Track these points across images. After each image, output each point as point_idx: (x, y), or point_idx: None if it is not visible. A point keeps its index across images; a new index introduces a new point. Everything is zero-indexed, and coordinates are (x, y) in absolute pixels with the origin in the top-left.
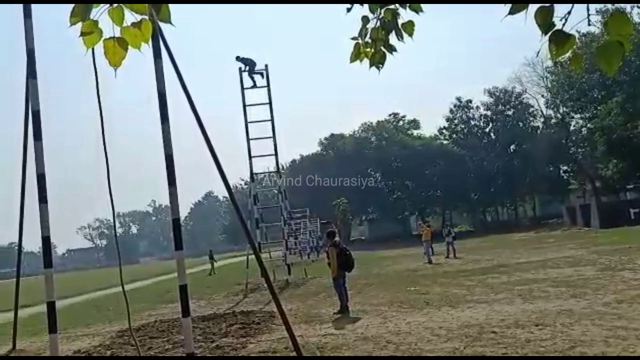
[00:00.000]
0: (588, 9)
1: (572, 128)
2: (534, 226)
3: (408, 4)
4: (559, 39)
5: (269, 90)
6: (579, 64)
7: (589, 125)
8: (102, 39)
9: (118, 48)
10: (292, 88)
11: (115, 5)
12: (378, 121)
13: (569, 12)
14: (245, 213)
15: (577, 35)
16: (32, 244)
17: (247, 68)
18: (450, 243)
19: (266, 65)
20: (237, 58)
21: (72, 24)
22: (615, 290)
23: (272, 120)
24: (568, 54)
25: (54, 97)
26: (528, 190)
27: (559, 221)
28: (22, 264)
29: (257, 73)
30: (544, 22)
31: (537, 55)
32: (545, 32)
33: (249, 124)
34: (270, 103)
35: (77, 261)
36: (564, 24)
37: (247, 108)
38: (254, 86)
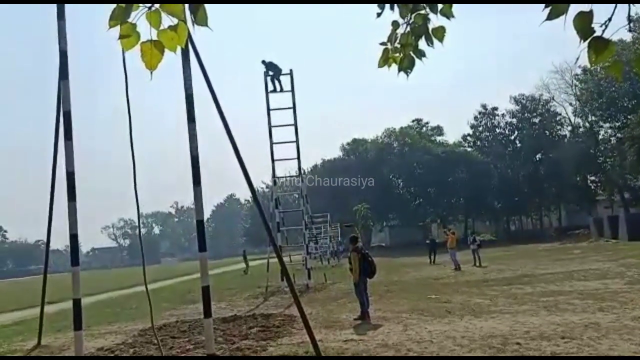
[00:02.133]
0: (629, 16)
1: (600, 137)
2: (559, 237)
3: (439, 10)
4: (599, 45)
5: (293, 95)
6: (618, 70)
7: (618, 134)
8: (140, 42)
9: (155, 51)
10: (315, 92)
11: (154, 8)
12: (401, 127)
13: (610, 19)
14: (266, 216)
15: None
16: (58, 242)
17: (272, 73)
18: (475, 251)
19: (291, 70)
20: (263, 62)
21: (111, 26)
22: None
23: (295, 124)
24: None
25: (85, 98)
26: (554, 200)
27: (586, 232)
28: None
29: (278, 79)
30: (584, 27)
31: (576, 62)
32: (584, 38)
33: (272, 128)
34: (294, 107)
35: (101, 260)
36: (604, 30)
37: (271, 112)
38: (274, 90)
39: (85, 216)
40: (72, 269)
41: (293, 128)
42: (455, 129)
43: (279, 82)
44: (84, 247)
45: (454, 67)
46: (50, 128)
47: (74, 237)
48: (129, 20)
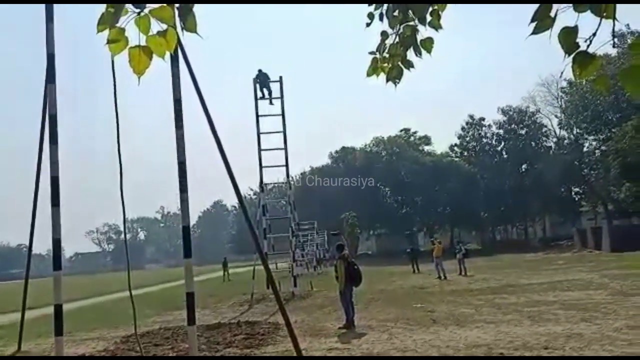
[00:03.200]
0: (613, 31)
1: (585, 149)
2: (543, 247)
3: (428, 22)
4: (583, 60)
5: (282, 102)
6: (604, 85)
7: (602, 147)
8: (128, 47)
9: (143, 56)
10: (304, 100)
11: (143, 14)
12: (389, 136)
13: (594, 34)
14: (253, 223)
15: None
16: (41, 246)
17: (259, 80)
18: (461, 260)
19: (280, 77)
20: (259, 71)
21: (99, 31)
22: (626, 315)
23: (284, 131)
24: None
25: (70, 102)
26: (539, 210)
27: (569, 243)
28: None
29: (268, 87)
30: (568, 42)
31: (561, 76)
32: (568, 53)
33: (261, 135)
34: (283, 114)
35: (84, 265)
36: (588, 45)
37: (260, 119)
38: (262, 97)
39: (69, 220)
40: (54, 274)
41: (282, 135)
42: (443, 139)
43: (269, 91)
44: (67, 251)
45: (442, 78)
46: (35, 131)
47: (56, 242)
48: (118, 24)
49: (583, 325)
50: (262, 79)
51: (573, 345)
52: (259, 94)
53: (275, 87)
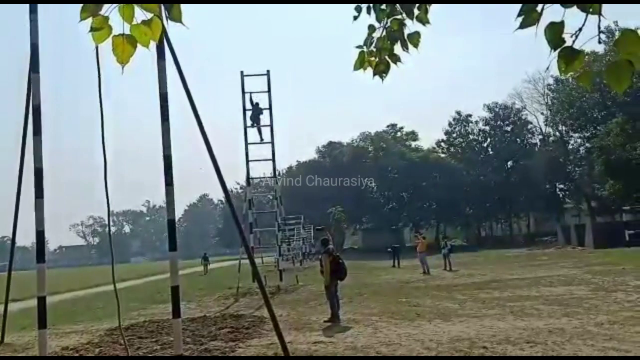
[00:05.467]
0: (599, 27)
1: (570, 147)
2: (527, 243)
3: (415, 16)
4: (569, 56)
5: (269, 96)
6: (588, 81)
7: (587, 144)
8: (112, 35)
9: (127, 45)
10: (292, 94)
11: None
12: (376, 131)
13: (580, 29)
14: (239, 217)
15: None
16: (25, 238)
17: (253, 111)
18: (446, 255)
19: (268, 71)
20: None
21: (83, 19)
22: (607, 311)
23: (271, 125)
24: (576, 71)
25: (54, 93)
26: (523, 207)
27: (553, 239)
28: (14, 258)
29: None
30: (555, 37)
31: (547, 70)
32: (554, 48)
33: (248, 129)
34: (270, 108)
35: (68, 258)
36: (574, 41)
37: (247, 112)
38: (253, 125)
39: (54, 213)
40: (38, 266)
41: (269, 129)
42: (430, 135)
43: (259, 125)
44: (52, 244)
45: (430, 74)
46: (17, 123)
47: (40, 234)
48: (102, 12)
49: (565, 320)
50: (254, 112)
51: (555, 339)
52: (249, 122)
53: (262, 80)
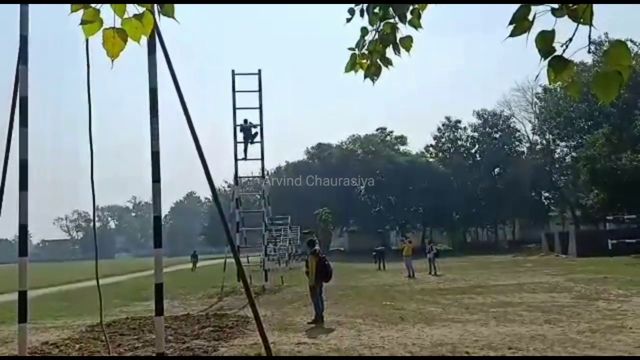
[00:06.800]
0: (590, 36)
1: (556, 155)
2: (512, 250)
3: (408, 21)
4: (558, 65)
5: (260, 95)
6: (576, 91)
7: (573, 153)
8: (102, 28)
9: (117, 39)
10: (282, 95)
11: None
12: (366, 134)
13: (571, 39)
14: (226, 216)
15: None
16: (7, 231)
17: (242, 129)
18: (432, 260)
19: (259, 70)
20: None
21: (73, 11)
22: (589, 319)
23: (261, 125)
24: (565, 80)
25: (40, 85)
26: (509, 213)
27: (537, 247)
28: None
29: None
30: (545, 46)
31: (537, 79)
32: (545, 57)
33: (237, 127)
34: (260, 108)
35: (51, 252)
36: (564, 50)
37: (237, 111)
38: (246, 143)
39: (37, 207)
40: (19, 260)
41: (258, 129)
42: (418, 139)
43: (251, 141)
44: (35, 238)
45: (421, 79)
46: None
47: (23, 228)
48: (93, 5)
49: (547, 327)
50: (245, 131)
51: (536, 346)
52: (239, 137)
53: (253, 80)
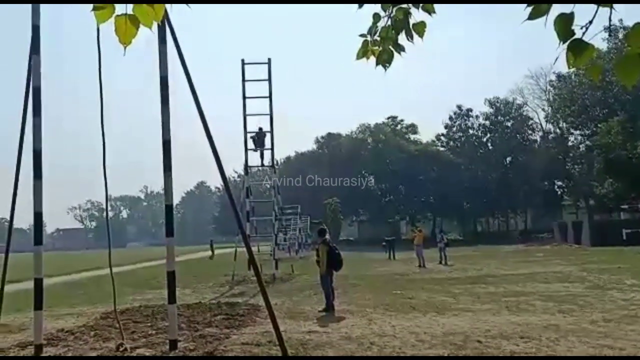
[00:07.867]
0: (610, 18)
1: (570, 144)
2: (524, 239)
3: (421, 6)
4: (578, 48)
5: (269, 84)
6: (596, 74)
7: (587, 142)
8: (114, 14)
9: (129, 26)
10: (292, 84)
11: None
12: (376, 123)
13: (591, 22)
14: (237, 205)
15: None
16: (22, 220)
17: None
18: (442, 249)
19: (269, 59)
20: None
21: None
22: (603, 308)
23: (270, 114)
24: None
25: (55, 76)
26: (521, 203)
27: (550, 236)
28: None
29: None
30: (564, 29)
31: (554, 64)
32: (563, 40)
33: (247, 117)
34: (270, 97)
35: (65, 241)
36: (584, 33)
37: (247, 101)
38: (256, 149)
39: (51, 196)
40: (35, 248)
41: (268, 117)
42: (430, 128)
43: (262, 149)
44: (49, 227)
45: (433, 67)
46: (16, 104)
47: (38, 216)
48: None
49: (560, 317)
50: (258, 139)
51: (549, 335)
52: (250, 144)
53: (263, 68)
